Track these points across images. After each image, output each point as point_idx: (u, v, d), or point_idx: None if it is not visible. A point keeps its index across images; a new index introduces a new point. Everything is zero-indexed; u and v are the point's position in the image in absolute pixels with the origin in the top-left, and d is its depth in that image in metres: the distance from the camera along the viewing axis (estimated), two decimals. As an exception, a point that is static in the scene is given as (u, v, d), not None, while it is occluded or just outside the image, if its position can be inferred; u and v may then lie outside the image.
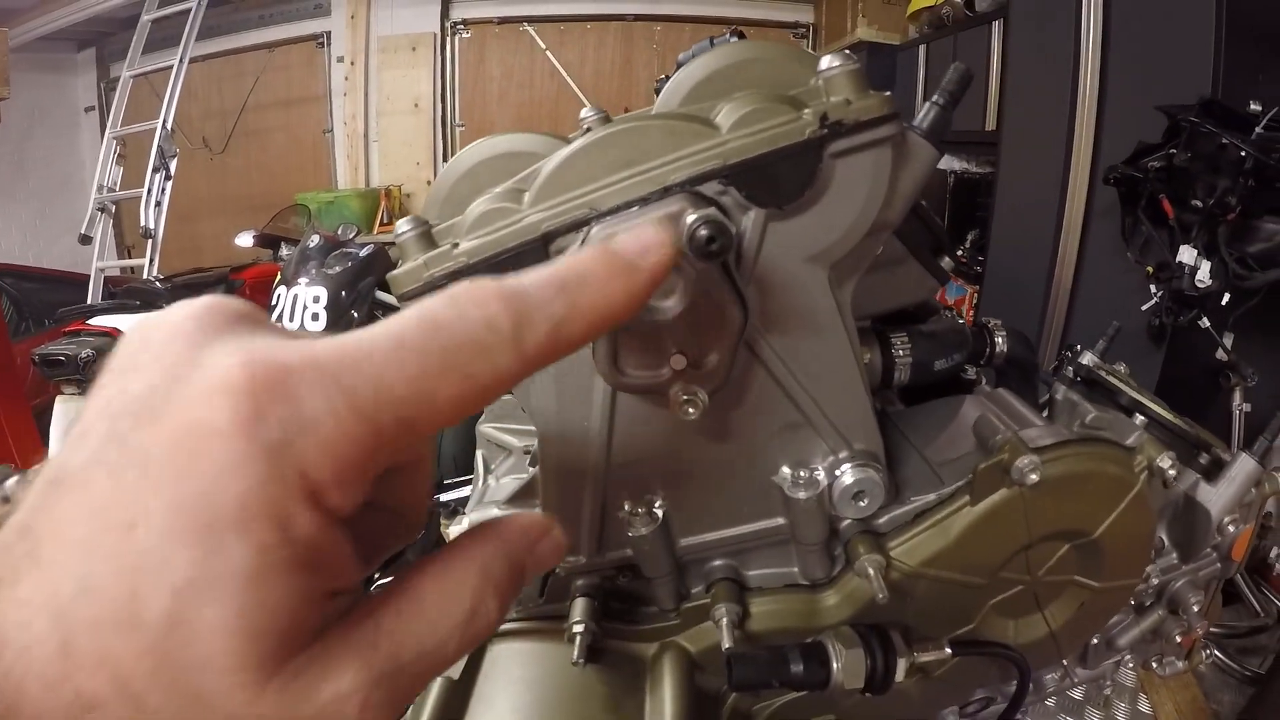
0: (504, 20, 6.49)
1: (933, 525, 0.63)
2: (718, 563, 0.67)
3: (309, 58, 6.65)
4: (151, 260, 4.52)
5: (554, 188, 0.50)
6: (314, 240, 3.14)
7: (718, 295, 0.48)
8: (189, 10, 4.88)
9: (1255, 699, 2.04)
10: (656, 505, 0.61)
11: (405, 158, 6.58)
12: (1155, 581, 0.87)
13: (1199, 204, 2.10)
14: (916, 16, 4.53)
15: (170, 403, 0.23)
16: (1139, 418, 0.85)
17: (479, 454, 0.97)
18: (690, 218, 0.44)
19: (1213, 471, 0.87)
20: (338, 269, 3.00)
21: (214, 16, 5.64)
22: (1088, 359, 0.99)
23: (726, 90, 0.54)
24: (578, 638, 0.62)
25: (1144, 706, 1.88)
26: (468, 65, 6.60)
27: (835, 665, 0.61)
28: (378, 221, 6.14)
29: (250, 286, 4.13)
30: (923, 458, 0.68)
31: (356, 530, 0.26)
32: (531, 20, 6.46)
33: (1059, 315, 2.98)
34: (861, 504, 0.61)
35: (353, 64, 6.49)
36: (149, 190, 4.56)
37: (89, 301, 4.24)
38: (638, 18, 6.42)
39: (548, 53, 6.48)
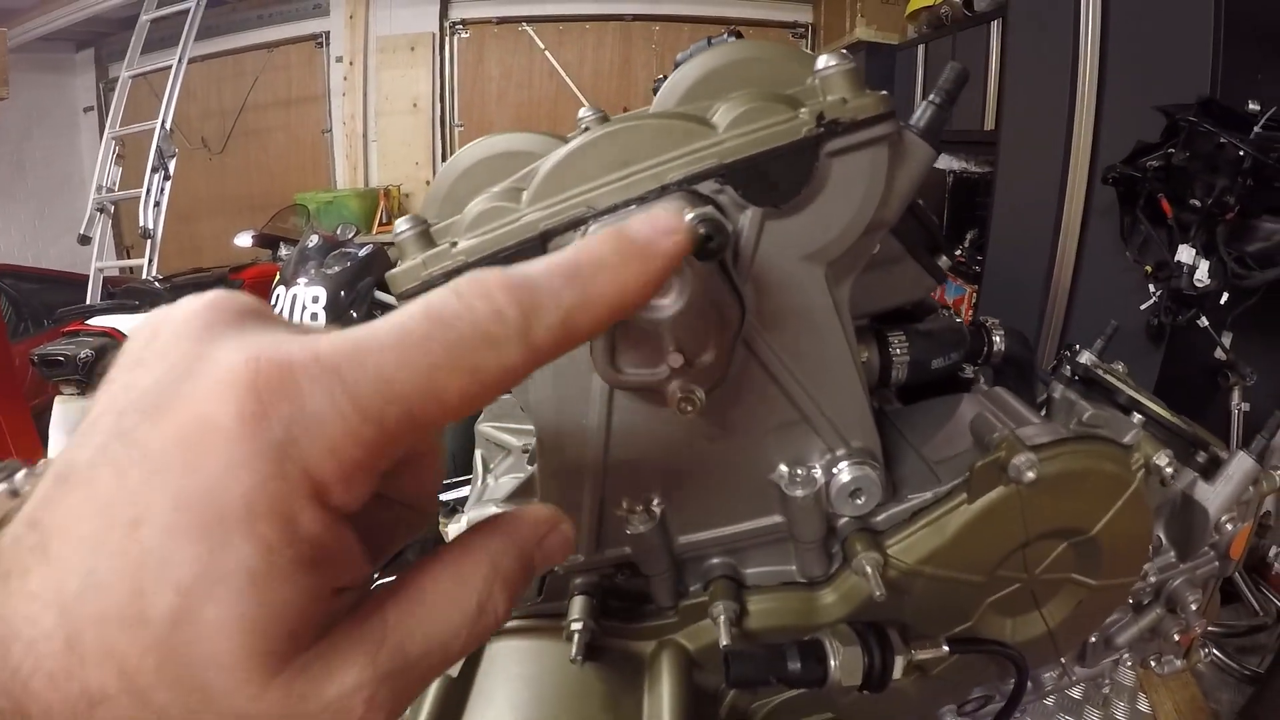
0: (503, 20, 6.49)
1: (930, 523, 0.63)
2: (716, 561, 0.67)
3: (308, 58, 6.65)
4: (150, 260, 4.51)
5: (552, 187, 0.51)
6: (313, 240, 3.15)
7: (715, 293, 0.48)
8: (188, 10, 4.88)
9: (1254, 698, 2.04)
10: (654, 503, 0.61)
11: (404, 158, 6.58)
12: (1153, 580, 0.87)
13: (1197, 203, 2.10)
14: (915, 16, 4.53)
15: (175, 399, 0.23)
16: (1136, 416, 0.85)
17: (478, 453, 0.97)
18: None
19: (1210, 470, 0.87)
20: (337, 269, 3.00)
21: (213, 16, 5.64)
22: (1086, 358, 0.99)
23: (723, 90, 0.54)
24: (576, 636, 0.62)
25: (1143, 705, 1.88)
26: (466, 65, 6.60)
27: (833, 663, 0.62)
28: (376, 221, 6.14)
29: (249, 287, 4.13)
30: (920, 456, 0.68)
31: (365, 524, 0.26)
32: (530, 20, 6.46)
33: (1058, 314, 2.98)
34: (859, 502, 0.61)
35: (351, 64, 6.49)
36: (148, 190, 4.56)
37: (88, 302, 4.24)
38: (636, 18, 6.42)
39: (546, 53, 6.48)
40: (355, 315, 2.96)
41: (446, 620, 0.27)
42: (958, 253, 3.91)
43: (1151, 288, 2.32)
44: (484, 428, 0.96)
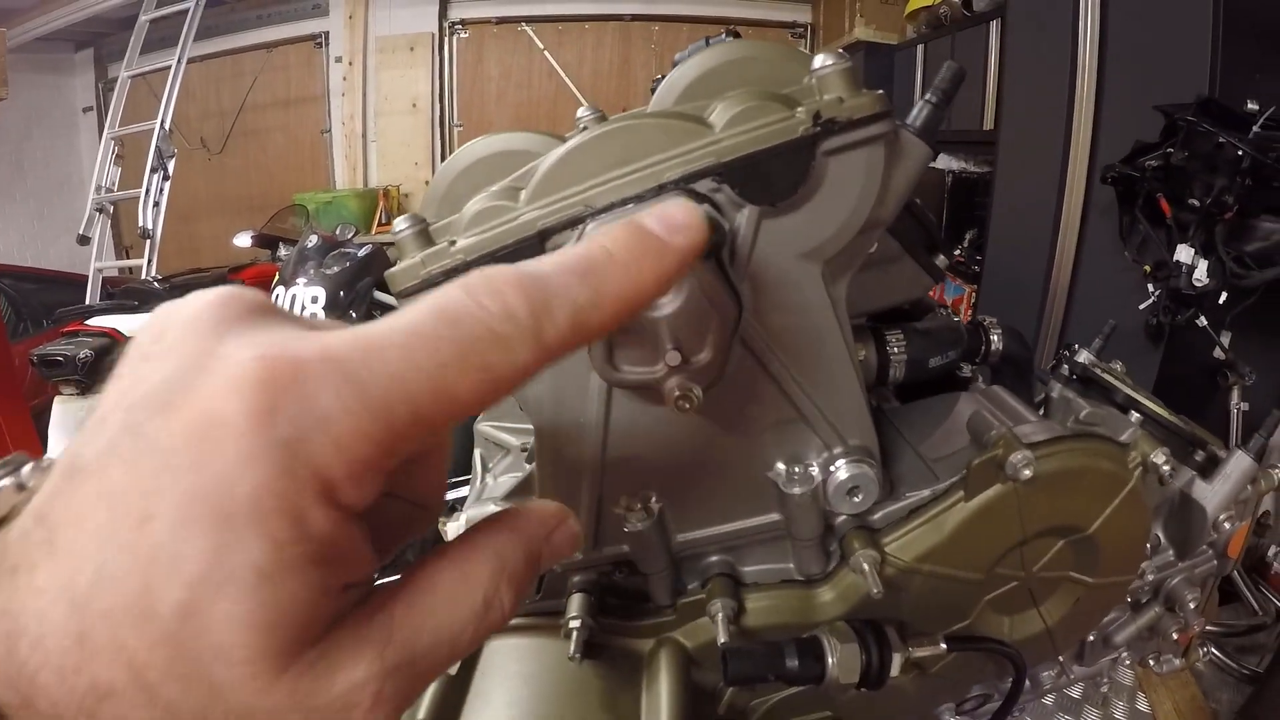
0: (502, 20, 6.49)
1: (927, 521, 0.64)
2: (713, 558, 0.67)
3: (307, 58, 6.65)
4: (150, 261, 4.51)
5: (550, 185, 0.51)
6: (312, 240, 3.14)
7: (712, 291, 0.48)
8: (187, 10, 4.87)
9: (1254, 697, 2.04)
10: (652, 501, 0.61)
11: (403, 158, 6.57)
12: (1151, 578, 0.87)
13: (1196, 203, 2.10)
14: (914, 16, 4.53)
15: (185, 394, 0.23)
16: (1134, 415, 0.85)
17: (477, 452, 0.97)
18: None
19: (1208, 469, 0.87)
20: (336, 269, 3.00)
21: (212, 16, 5.64)
22: (1084, 357, 0.99)
23: (720, 89, 0.54)
24: (574, 633, 0.62)
25: (1142, 705, 1.88)
26: (466, 65, 6.60)
27: (830, 660, 0.62)
28: (376, 221, 6.13)
29: (248, 287, 4.12)
30: (917, 454, 0.68)
31: (372, 521, 0.26)
32: (529, 20, 6.46)
33: (1057, 314, 2.98)
34: (856, 499, 0.61)
35: (351, 64, 6.49)
36: (147, 190, 4.55)
37: (87, 302, 4.23)
38: (635, 18, 6.42)
39: (545, 53, 6.48)
40: (354, 315, 2.96)
41: (453, 616, 0.27)
42: (957, 252, 3.91)
43: (1150, 287, 2.32)
44: (482, 427, 0.96)
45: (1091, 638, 0.88)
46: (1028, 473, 0.60)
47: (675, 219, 0.30)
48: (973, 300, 3.75)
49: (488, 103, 6.64)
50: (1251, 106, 2.10)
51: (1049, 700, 1.80)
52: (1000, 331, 0.80)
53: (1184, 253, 2.15)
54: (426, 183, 6.29)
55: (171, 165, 4.68)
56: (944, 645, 0.66)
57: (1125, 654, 0.93)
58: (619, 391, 0.56)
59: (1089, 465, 0.63)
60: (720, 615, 0.63)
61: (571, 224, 0.50)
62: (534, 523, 0.30)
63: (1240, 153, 1.97)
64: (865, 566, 0.61)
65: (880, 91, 0.51)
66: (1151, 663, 0.97)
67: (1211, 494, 0.85)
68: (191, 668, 0.22)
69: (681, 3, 6.35)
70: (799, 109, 0.50)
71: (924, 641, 0.66)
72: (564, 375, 0.56)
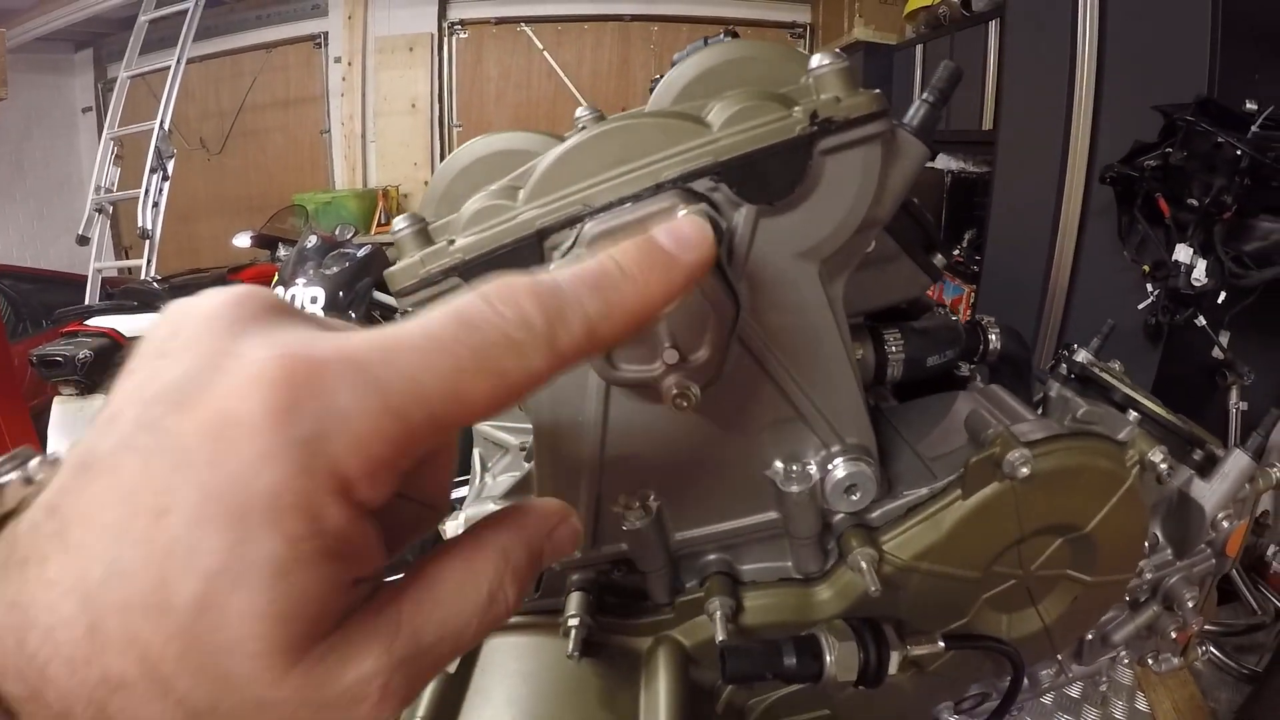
0: (501, 20, 6.49)
1: (925, 519, 0.64)
2: (711, 557, 0.67)
3: (306, 58, 6.65)
4: (149, 261, 4.51)
5: (548, 185, 0.51)
6: (311, 241, 3.15)
7: (710, 290, 0.48)
8: (186, 11, 4.87)
9: (1253, 697, 2.04)
10: (651, 499, 0.61)
11: (402, 158, 6.57)
12: (1149, 577, 0.88)
13: (1195, 203, 2.10)
14: (913, 16, 4.53)
15: (205, 391, 0.23)
16: (1132, 414, 0.86)
17: (476, 451, 0.97)
18: (681, 213, 0.44)
19: (1206, 467, 0.87)
20: (335, 269, 3.00)
21: (211, 17, 5.64)
22: (1082, 356, 0.99)
23: (718, 89, 0.54)
24: (573, 632, 0.62)
25: (1141, 704, 1.88)
26: (465, 65, 6.60)
27: (828, 658, 0.62)
28: (375, 222, 6.13)
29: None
30: (915, 452, 0.69)
31: (381, 519, 0.26)
32: (529, 20, 6.46)
33: (1056, 314, 2.98)
34: (854, 498, 0.62)
35: (350, 64, 6.49)
36: (146, 191, 4.55)
37: (86, 302, 4.22)
38: (635, 18, 6.42)
39: (545, 53, 6.48)
40: (353, 315, 2.96)
41: (459, 609, 0.27)
42: (956, 252, 3.92)
43: (1149, 287, 2.33)
44: (481, 426, 0.96)
45: (1090, 636, 0.89)
46: (1025, 471, 0.60)
47: (685, 235, 0.31)
48: (972, 300, 3.76)
49: (487, 103, 6.64)
50: (1250, 106, 2.10)
51: (1048, 699, 1.80)
52: (998, 331, 0.80)
53: (1183, 252, 2.15)
54: (426, 183, 6.27)
55: (171, 165, 4.67)
56: (942, 643, 0.66)
57: (1124, 653, 0.93)
58: (617, 390, 0.56)
59: (1086, 464, 0.63)
60: (718, 613, 0.63)
61: (570, 223, 0.50)
62: (536, 519, 0.31)
63: (1239, 152, 1.97)
64: (863, 565, 0.61)
65: (877, 91, 0.52)
66: (1150, 662, 0.97)
67: (1210, 493, 0.85)
68: (205, 660, 0.23)
69: (681, 3, 6.35)
70: (796, 108, 0.50)
71: (922, 640, 0.66)
72: (562, 374, 0.56)
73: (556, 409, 0.57)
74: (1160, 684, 1.90)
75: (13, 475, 0.26)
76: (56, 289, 4.95)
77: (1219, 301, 2.14)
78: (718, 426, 0.60)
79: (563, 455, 0.60)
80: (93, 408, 2.80)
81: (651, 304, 0.29)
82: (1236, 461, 0.86)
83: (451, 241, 0.51)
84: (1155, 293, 2.31)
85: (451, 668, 0.63)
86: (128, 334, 2.99)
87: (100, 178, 4.80)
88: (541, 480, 0.63)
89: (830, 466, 0.61)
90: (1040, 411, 0.89)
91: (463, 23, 6.53)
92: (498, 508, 0.31)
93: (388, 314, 3.12)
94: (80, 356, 2.84)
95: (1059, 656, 0.85)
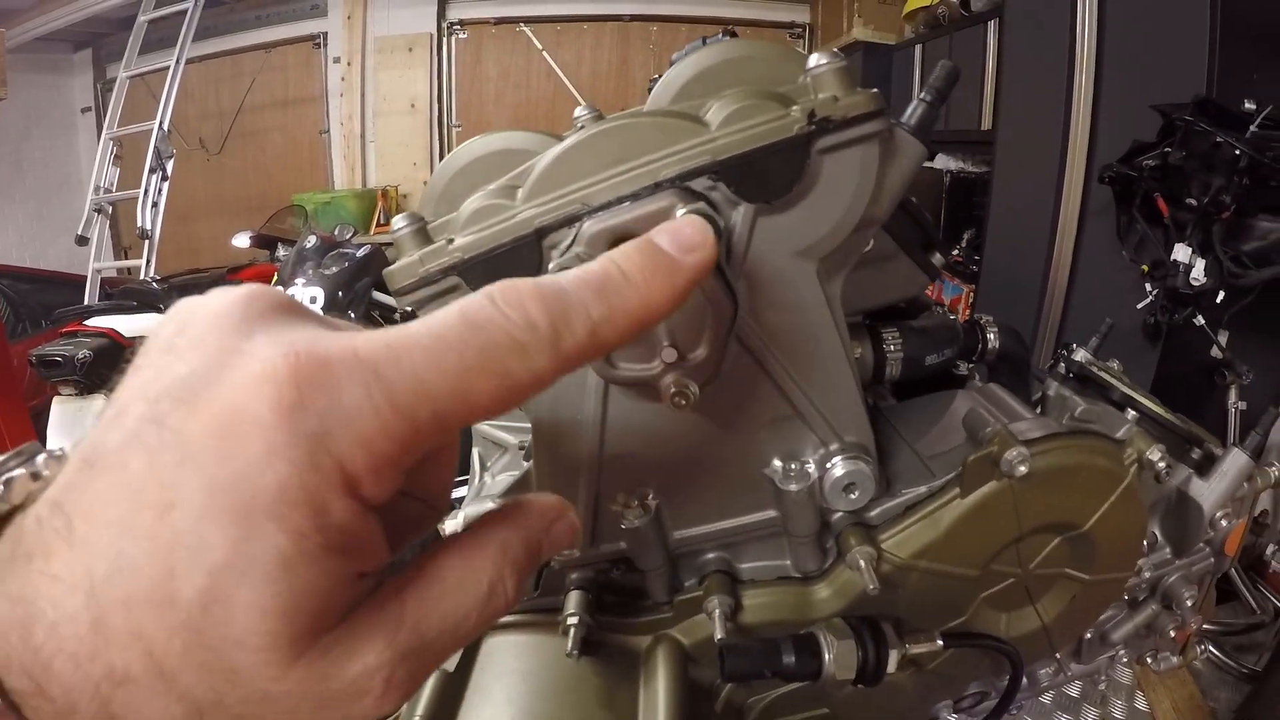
0: (500, 21, 6.49)
1: (923, 517, 0.64)
2: (710, 555, 0.67)
3: (306, 58, 6.65)
4: (148, 261, 4.51)
5: (547, 184, 0.51)
6: (310, 241, 3.15)
7: (708, 289, 0.48)
8: (185, 11, 4.87)
9: (1252, 696, 2.04)
10: (649, 498, 0.61)
11: (402, 158, 6.57)
12: (1148, 576, 0.88)
13: (1193, 202, 2.10)
14: (912, 16, 4.53)
15: (212, 388, 0.24)
16: (1130, 412, 0.86)
17: (475, 451, 0.98)
18: (679, 212, 0.45)
19: (1205, 466, 0.88)
20: (334, 269, 3.00)
21: (211, 17, 5.63)
22: (1081, 356, 0.99)
23: (716, 88, 0.54)
24: (572, 630, 0.62)
25: (1141, 704, 1.88)
26: (464, 66, 6.60)
27: (827, 656, 0.62)
28: (374, 222, 6.13)
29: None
30: (914, 451, 0.69)
31: (384, 516, 0.27)
32: (528, 21, 6.46)
33: (1055, 313, 2.98)
34: (852, 496, 0.62)
35: (349, 65, 6.48)
36: (146, 191, 4.55)
37: (86, 302, 4.22)
38: (634, 18, 6.41)
39: (544, 53, 6.48)
40: (353, 315, 2.96)
41: (459, 603, 0.28)
42: (955, 252, 3.92)
43: (1148, 286, 2.33)
44: (481, 426, 0.96)
45: (1088, 635, 0.89)
46: (1023, 469, 0.60)
47: (687, 237, 0.31)
48: (971, 300, 3.76)
49: (486, 103, 6.64)
50: (1249, 106, 2.10)
51: (1047, 698, 1.80)
52: (997, 330, 0.80)
53: (1181, 252, 2.15)
54: (425, 183, 6.27)
55: (170, 166, 4.68)
56: (940, 642, 0.67)
57: (1123, 652, 0.93)
58: (616, 389, 0.56)
59: (1084, 462, 0.64)
60: (717, 612, 0.63)
61: (568, 222, 0.50)
62: (535, 515, 0.31)
63: (1237, 152, 1.97)
64: (862, 563, 0.62)
65: (875, 90, 0.52)
66: (1149, 661, 0.97)
67: (1208, 491, 0.85)
68: (210, 654, 0.23)
69: (680, 3, 6.34)
70: (794, 107, 0.50)
71: (921, 638, 0.66)
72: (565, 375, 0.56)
73: (555, 408, 0.58)
74: (1159, 683, 1.90)
75: (20, 470, 0.26)
76: (56, 289, 4.94)
77: (1217, 301, 2.14)
78: (716, 425, 0.60)
79: (561, 454, 0.60)
80: (92, 408, 2.80)
81: (654, 307, 0.29)
82: (1235, 460, 0.86)
83: (450, 240, 0.51)
84: (1154, 292, 2.31)
85: (451, 665, 0.63)
86: (127, 334, 2.99)
87: (99, 178, 4.80)
88: (540, 479, 0.63)
89: (829, 465, 0.61)
90: (1039, 410, 0.89)
91: (462, 23, 6.52)
92: (498, 505, 0.31)
93: (387, 314, 3.12)
94: (79, 357, 2.84)
95: (1058, 655, 0.85)
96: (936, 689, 0.77)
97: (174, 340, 0.26)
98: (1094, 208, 2.77)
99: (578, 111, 0.56)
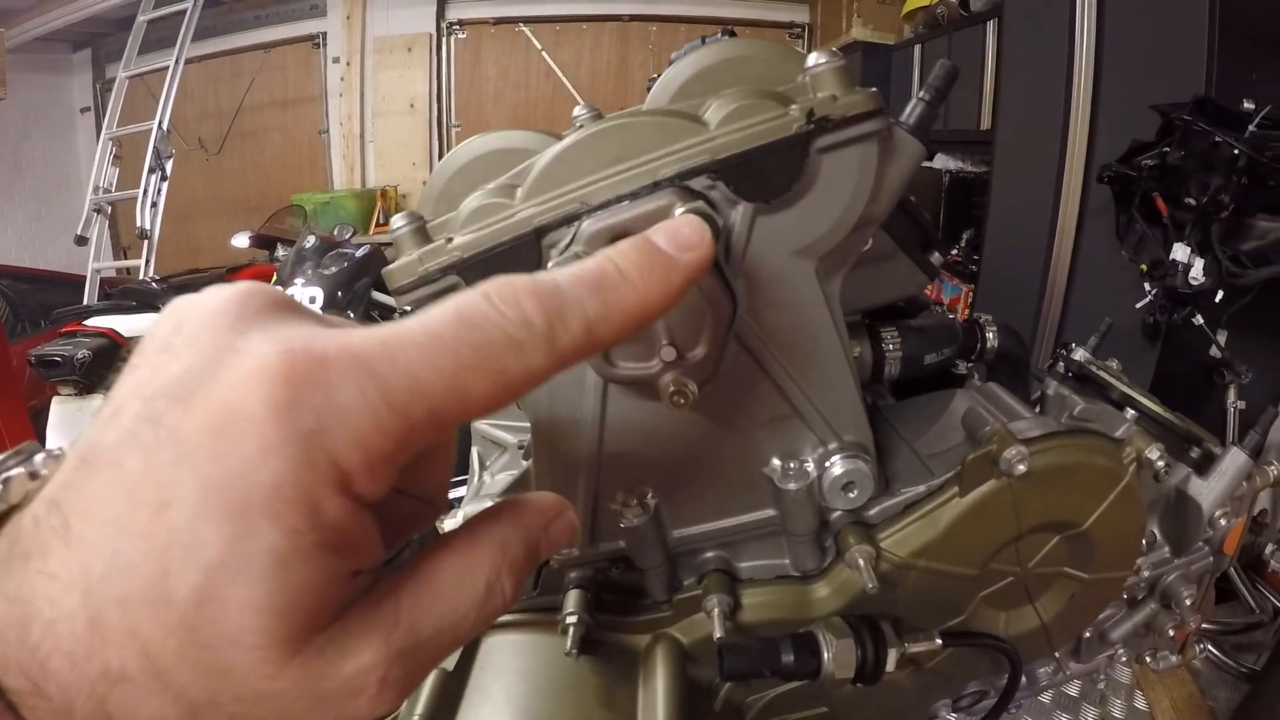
0: (499, 21, 6.49)
1: (922, 516, 0.64)
2: (709, 554, 0.67)
3: (305, 58, 6.65)
4: (148, 261, 4.51)
5: (546, 183, 0.51)
6: (310, 241, 3.15)
7: (707, 288, 0.48)
8: (185, 11, 4.87)
9: (1251, 695, 2.04)
10: (648, 497, 0.61)
11: (401, 158, 6.57)
12: (1147, 575, 0.88)
13: (1192, 202, 2.10)
14: (911, 16, 4.54)
15: (207, 386, 0.24)
16: (1129, 412, 0.86)
17: (474, 450, 0.98)
18: (678, 211, 0.45)
19: (1204, 466, 0.88)
20: (334, 269, 3.00)
21: (210, 17, 5.64)
22: (1080, 355, 0.99)
23: (715, 87, 0.55)
24: (571, 629, 0.62)
25: (1140, 703, 1.88)
26: (463, 66, 6.60)
27: (826, 655, 0.62)
28: (374, 222, 6.13)
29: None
30: (912, 450, 0.69)
31: (380, 514, 0.27)
32: (527, 21, 6.46)
33: (1054, 313, 2.98)
34: (851, 495, 0.62)
35: (348, 64, 6.48)
36: (145, 191, 4.55)
37: (85, 302, 4.22)
38: (633, 18, 6.41)
39: (543, 53, 6.48)
40: (352, 315, 2.96)
41: (456, 602, 0.28)
42: (954, 252, 3.92)
43: (1147, 286, 2.32)
44: (480, 425, 0.96)
45: (1088, 634, 0.89)
46: (1022, 468, 0.60)
47: (684, 236, 0.31)
48: (970, 300, 3.76)
49: (485, 103, 6.64)
50: (1247, 106, 2.11)
51: (1046, 698, 1.80)
52: (996, 329, 0.80)
53: (1180, 251, 2.15)
54: (424, 183, 6.25)
55: (169, 166, 4.68)
56: (940, 641, 0.66)
57: (1122, 651, 0.93)
58: (615, 387, 0.56)
59: (1083, 461, 0.64)
60: (716, 611, 0.63)
61: (567, 221, 0.50)
62: (533, 513, 0.31)
63: (1236, 152, 1.97)
64: (860, 562, 0.62)
65: (873, 89, 0.52)
66: (1148, 660, 0.97)
67: (1207, 490, 0.85)
68: (204, 653, 0.23)
69: (679, 3, 6.35)
70: (793, 106, 0.50)
71: (920, 637, 0.66)
72: (560, 373, 0.56)
73: (554, 407, 0.58)
74: (1159, 682, 1.90)
75: (18, 470, 0.26)
76: (55, 289, 4.94)
77: (1216, 300, 2.13)
78: (715, 424, 0.60)
79: (561, 453, 0.60)
80: (91, 408, 2.80)
81: (650, 305, 0.29)
82: (1234, 459, 0.86)
83: (449, 239, 0.51)
84: (1153, 292, 2.31)
85: (450, 664, 0.63)
86: (126, 334, 2.99)
87: (99, 178, 4.80)
88: (540, 478, 0.63)
89: (827, 464, 0.61)
90: (1038, 409, 0.89)
91: (461, 23, 6.52)
92: (495, 504, 0.31)
93: (386, 314, 3.11)
94: (79, 357, 2.84)
95: (1057, 654, 0.86)
96: (935, 688, 0.77)
97: (169, 339, 0.26)
98: (1093, 207, 2.77)
99: (577, 111, 0.56)
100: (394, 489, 0.27)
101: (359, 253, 3.10)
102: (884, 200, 0.56)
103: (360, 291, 3.02)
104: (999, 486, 0.62)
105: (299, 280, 2.96)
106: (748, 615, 0.66)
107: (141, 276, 4.36)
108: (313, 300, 2.90)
